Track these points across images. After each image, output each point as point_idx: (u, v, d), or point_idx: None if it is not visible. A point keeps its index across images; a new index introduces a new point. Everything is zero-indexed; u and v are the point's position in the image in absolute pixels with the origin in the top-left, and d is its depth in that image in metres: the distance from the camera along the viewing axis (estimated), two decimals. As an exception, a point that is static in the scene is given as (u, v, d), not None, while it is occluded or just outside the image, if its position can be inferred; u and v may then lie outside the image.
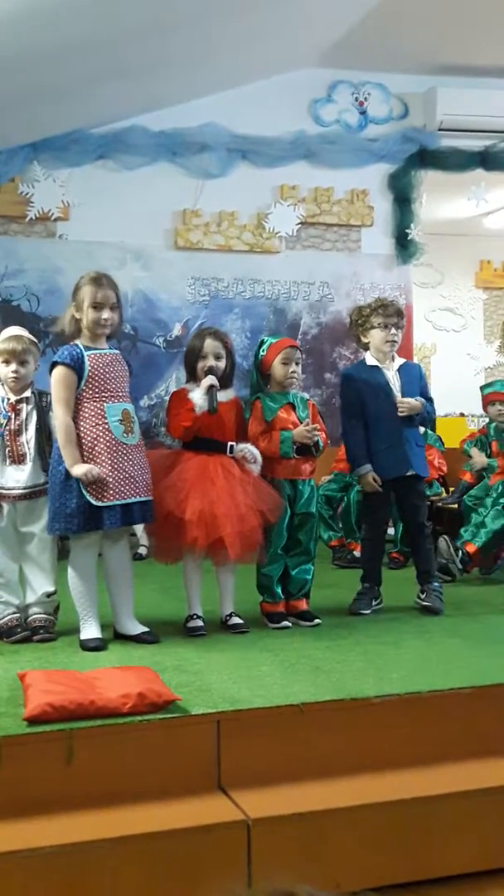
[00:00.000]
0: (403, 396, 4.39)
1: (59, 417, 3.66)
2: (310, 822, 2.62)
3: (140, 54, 5.70)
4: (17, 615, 3.86)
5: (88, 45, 5.31)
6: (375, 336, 4.46)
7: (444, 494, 6.50)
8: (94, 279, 3.75)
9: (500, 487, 5.48)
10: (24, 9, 4.69)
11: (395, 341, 4.47)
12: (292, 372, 4.16)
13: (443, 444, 6.73)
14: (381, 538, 4.70)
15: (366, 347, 4.55)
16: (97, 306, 3.71)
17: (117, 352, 3.86)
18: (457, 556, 5.16)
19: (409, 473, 4.39)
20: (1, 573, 3.86)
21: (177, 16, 5.35)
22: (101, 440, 3.64)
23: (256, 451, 4.01)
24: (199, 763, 2.78)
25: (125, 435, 3.69)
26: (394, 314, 4.47)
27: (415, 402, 4.37)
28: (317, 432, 4.08)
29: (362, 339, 4.54)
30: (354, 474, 4.55)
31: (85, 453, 3.63)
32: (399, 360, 4.54)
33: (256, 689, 3.04)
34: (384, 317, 4.44)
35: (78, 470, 3.58)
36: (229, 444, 4.01)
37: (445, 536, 5.26)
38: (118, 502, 3.62)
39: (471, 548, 5.21)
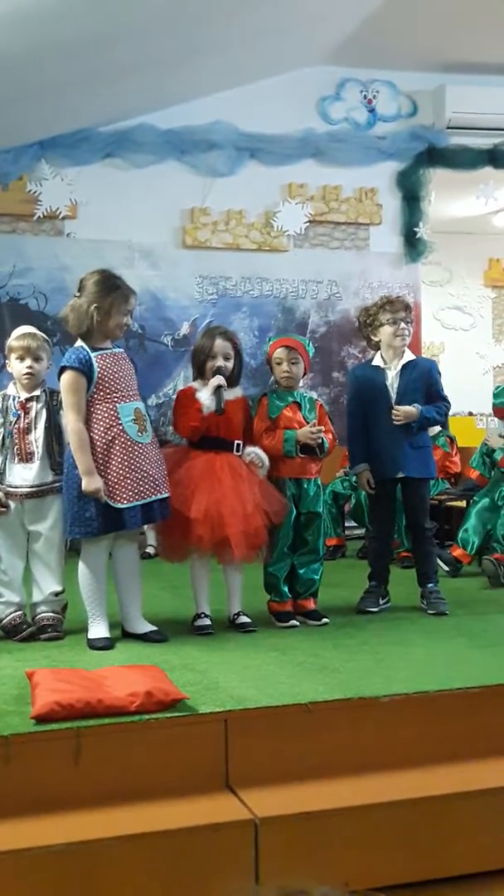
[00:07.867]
0: (401, 398, 4.40)
1: (71, 423, 3.64)
2: (317, 821, 2.62)
3: (148, 52, 5.69)
4: (20, 612, 3.86)
5: (96, 43, 5.30)
6: (385, 332, 4.47)
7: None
8: (121, 287, 3.74)
9: None
10: (31, 5, 4.68)
11: (404, 335, 4.48)
12: (285, 372, 4.17)
13: (451, 445, 6.69)
14: (388, 536, 4.69)
15: (377, 347, 4.55)
16: (128, 313, 3.76)
17: (122, 350, 3.86)
18: (501, 570, 5.11)
19: (399, 476, 4.40)
20: (4, 571, 3.86)
21: (185, 13, 5.34)
22: (117, 442, 3.63)
23: (264, 456, 4.01)
24: (207, 762, 2.78)
25: (139, 434, 3.69)
26: (401, 309, 4.49)
27: (411, 409, 4.36)
28: (321, 434, 4.09)
29: (372, 338, 4.56)
30: (352, 472, 4.60)
31: (100, 456, 3.61)
32: (408, 357, 4.52)
33: (264, 688, 3.04)
34: (392, 312, 4.46)
35: (89, 485, 3.57)
36: (236, 442, 4.01)
37: (492, 558, 5.17)
38: (138, 503, 3.62)
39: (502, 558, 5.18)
